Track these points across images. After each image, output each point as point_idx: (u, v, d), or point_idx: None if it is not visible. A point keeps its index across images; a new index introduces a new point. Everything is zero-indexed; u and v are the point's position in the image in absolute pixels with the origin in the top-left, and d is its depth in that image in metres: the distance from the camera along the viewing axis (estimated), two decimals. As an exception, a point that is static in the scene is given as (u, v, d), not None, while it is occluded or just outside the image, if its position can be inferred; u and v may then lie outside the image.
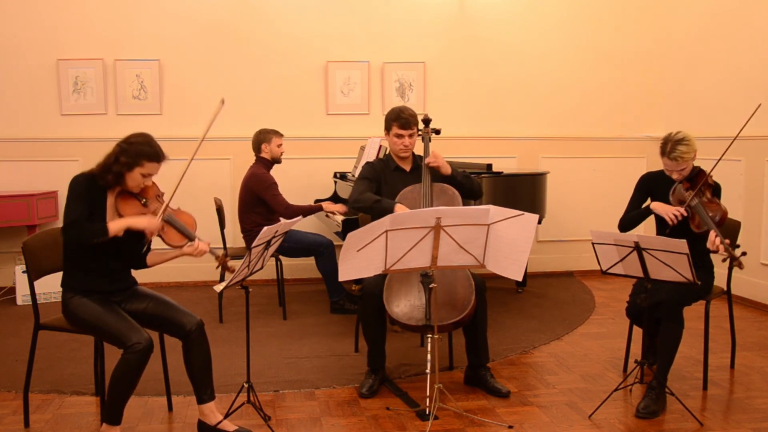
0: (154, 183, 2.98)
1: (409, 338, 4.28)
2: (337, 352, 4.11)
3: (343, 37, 6.09)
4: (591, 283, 6.01)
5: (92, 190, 2.82)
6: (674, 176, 3.38)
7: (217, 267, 3.09)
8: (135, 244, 2.96)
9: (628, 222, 3.57)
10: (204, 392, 2.91)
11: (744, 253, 3.09)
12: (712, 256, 3.45)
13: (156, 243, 3.01)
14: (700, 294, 3.36)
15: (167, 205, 2.89)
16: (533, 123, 6.39)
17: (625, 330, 3.79)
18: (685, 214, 3.27)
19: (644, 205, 3.53)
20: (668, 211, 3.32)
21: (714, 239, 3.12)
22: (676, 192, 3.38)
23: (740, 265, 3.09)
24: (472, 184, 3.73)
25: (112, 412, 2.75)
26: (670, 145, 3.30)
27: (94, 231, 2.73)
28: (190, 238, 2.90)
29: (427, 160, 3.60)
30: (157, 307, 2.95)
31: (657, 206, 3.41)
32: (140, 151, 2.80)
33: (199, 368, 2.90)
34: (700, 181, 3.28)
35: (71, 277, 2.89)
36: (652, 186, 3.56)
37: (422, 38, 6.19)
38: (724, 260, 3.13)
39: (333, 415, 3.22)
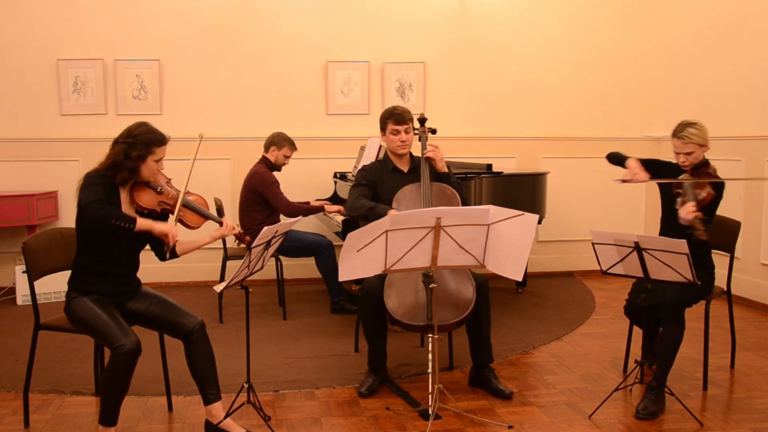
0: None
1: (409, 338, 4.28)
2: (337, 352, 4.11)
3: (343, 37, 6.09)
4: (591, 283, 6.01)
5: (106, 184, 2.84)
6: (680, 159, 3.38)
7: (235, 241, 3.17)
8: (157, 245, 3.01)
9: (614, 156, 3.62)
10: (210, 392, 2.90)
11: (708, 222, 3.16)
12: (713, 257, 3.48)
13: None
14: (700, 294, 3.36)
15: (185, 191, 2.95)
16: (533, 123, 6.39)
17: (625, 330, 3.80)
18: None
19: (627, 161, 3.51)
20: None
21: (689, 207, 3.15)
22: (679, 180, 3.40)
23: (702, 235, 3.11)
24: (461, 194, 3.69)
25: (106, 414, 2.73)
26: (681, 126, 3.38)
27: (122, 216, 2.73)
28: (210, 218, 3.01)
29: (426, 152, 3.61)
30: (159, 308, 2.95)
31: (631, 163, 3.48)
32: (148, 139, 2.87)
33: (202, 368, 2.89)
34: (701, 167, 3.34)
35: (79, 278, 2.89)
36: (661, 166, 3.53)
37: (422, 38, 6.19)
38: (690, 232, 3.14)
39: (333, 415, 3.22)
